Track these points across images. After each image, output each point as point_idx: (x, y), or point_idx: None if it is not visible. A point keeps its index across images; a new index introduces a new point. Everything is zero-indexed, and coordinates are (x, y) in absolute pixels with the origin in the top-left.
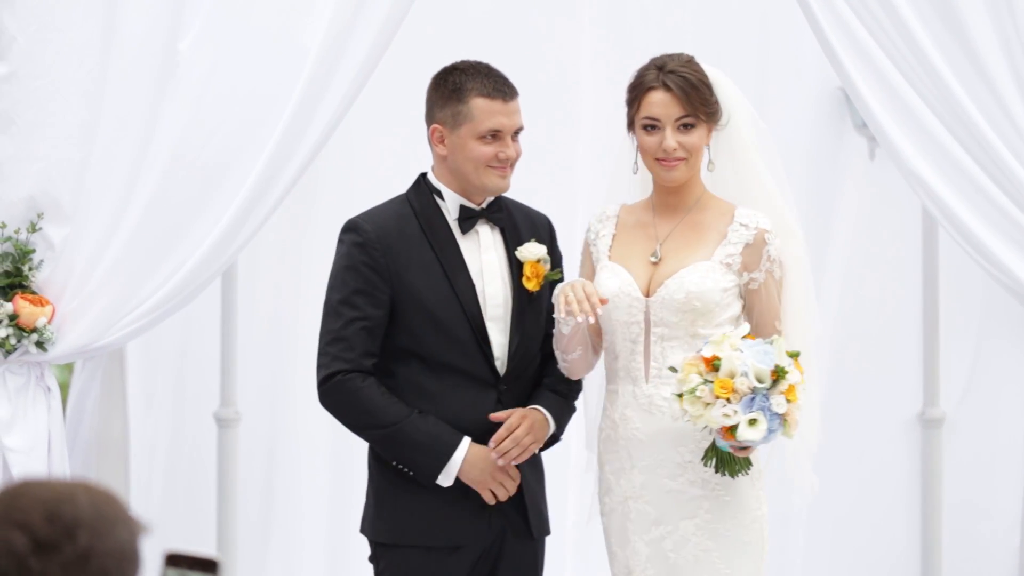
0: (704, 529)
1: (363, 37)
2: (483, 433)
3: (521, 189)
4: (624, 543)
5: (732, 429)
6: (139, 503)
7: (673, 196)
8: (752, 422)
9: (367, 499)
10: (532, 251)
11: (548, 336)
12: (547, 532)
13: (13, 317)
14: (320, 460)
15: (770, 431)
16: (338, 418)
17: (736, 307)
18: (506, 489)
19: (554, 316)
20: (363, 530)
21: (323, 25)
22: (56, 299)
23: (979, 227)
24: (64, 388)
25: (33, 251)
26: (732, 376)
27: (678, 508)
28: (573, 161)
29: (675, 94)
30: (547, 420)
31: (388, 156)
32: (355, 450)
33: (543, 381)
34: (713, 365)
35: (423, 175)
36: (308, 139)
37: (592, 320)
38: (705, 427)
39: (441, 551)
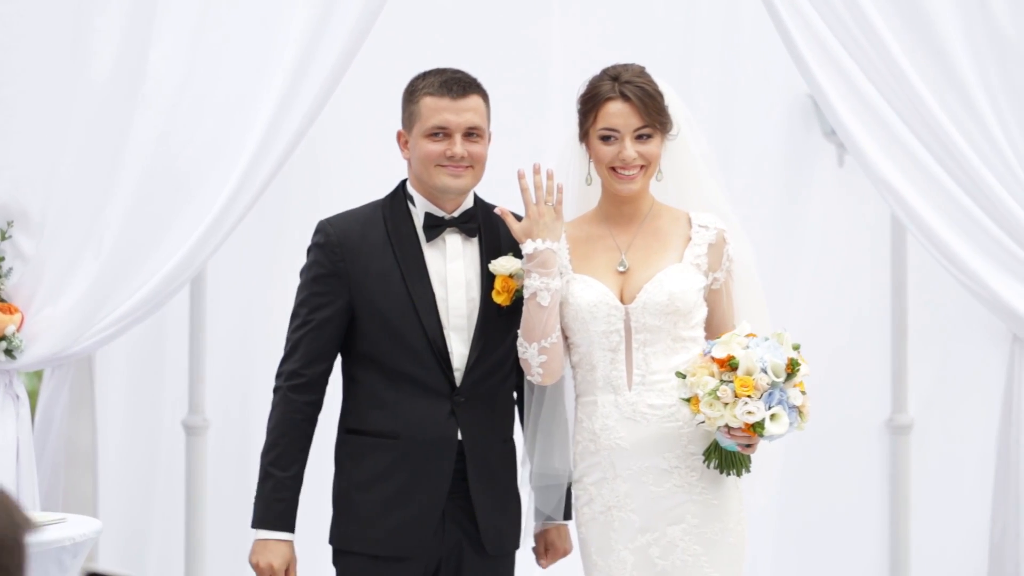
0: (691, 534)
1: (332, 46)
2: (436, 444)
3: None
4: (606, 552)
5: (755, 426)
6: (107, 510)
7: (628, 206)
8: (773, 417)
9: (332, 504)
10: (505, 265)
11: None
12: (510, 548)
13: None
14: None
15: (790, 424)
16: None
17: (705, 308)
18: None
19: (524, 282)
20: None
21: (293, 35)
22: (25, 307)
23: (947, 233)
24: (33, 396)
25: (2, 259)
26: (751, 373)
27: (664, 514)
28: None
29: (634, 104)
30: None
31: (357, 163)
32: (324, 457)
33: None
34: (730, 364)
35: (404, 181)
36: (278, 146)
37: (559, 196)
38: (701, 423)
39: (388, 560)
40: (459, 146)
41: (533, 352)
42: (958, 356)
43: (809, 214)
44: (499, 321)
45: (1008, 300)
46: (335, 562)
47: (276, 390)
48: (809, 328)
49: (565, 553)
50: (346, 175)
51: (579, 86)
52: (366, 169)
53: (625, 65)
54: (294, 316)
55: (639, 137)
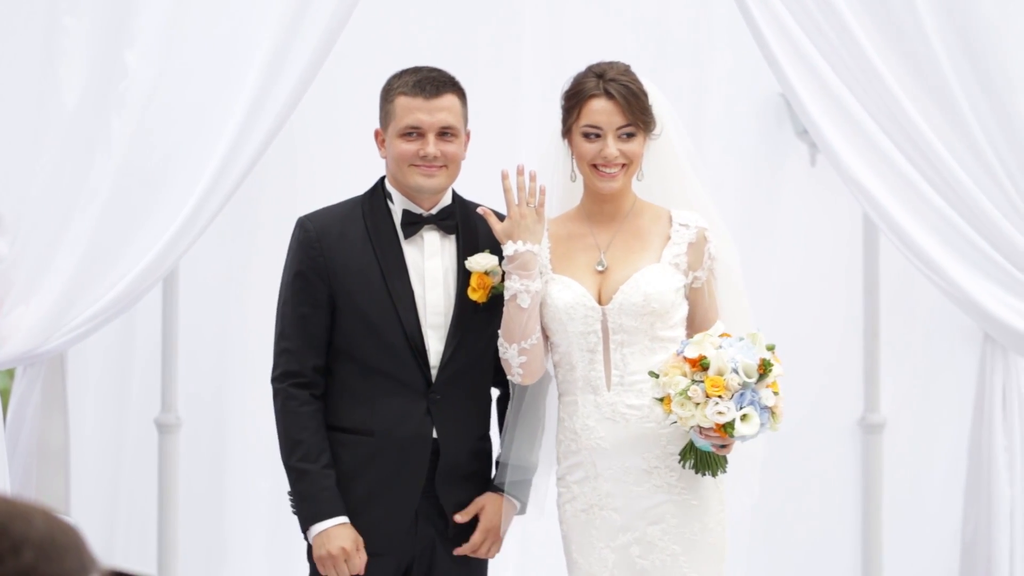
0: (670, 533)
1: (305, 44)
2: (411, 441)
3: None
4: (587, 551)
5: (726, 427)
6: (80, 509)
7: (609, 204)
8: (744, 417)
9: None
10: (480, 262)
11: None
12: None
13: None
14: (263, 465)
15: (761, 424)
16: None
17: (685, 307)
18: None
19: (505, 284)
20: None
21: (267, 33)
22: None
23: (919, 233)
24: (4, 395)
25: None
26: (722, 373)
27: (644, 514)
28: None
29: (617, 102)
30: (512, 504)
31: (333, 160)
32: None
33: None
34: (701, 364)
35: (382, 179)
36: (251, 145)
37: (542, 199)
38: (674, 423)
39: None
40: (432, 146)
41: (513, 353)
42: (930, 355)
43: (781, 213)
44: (475, 318)
45: (979, 300)
46: (310, 556)
47: (276, 394)
48: (781, 327)
49: (488, 531)
50: (322, 172)
51: (564, 82)
52: (342, 166)
53: (610, 63)
54: (281, 317)
55: (622, 136)
